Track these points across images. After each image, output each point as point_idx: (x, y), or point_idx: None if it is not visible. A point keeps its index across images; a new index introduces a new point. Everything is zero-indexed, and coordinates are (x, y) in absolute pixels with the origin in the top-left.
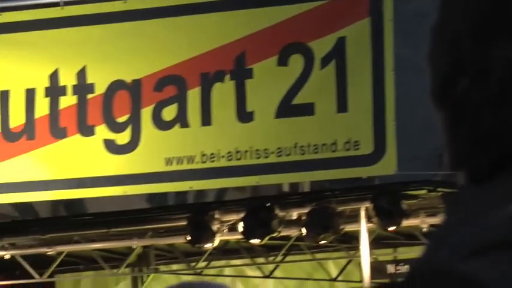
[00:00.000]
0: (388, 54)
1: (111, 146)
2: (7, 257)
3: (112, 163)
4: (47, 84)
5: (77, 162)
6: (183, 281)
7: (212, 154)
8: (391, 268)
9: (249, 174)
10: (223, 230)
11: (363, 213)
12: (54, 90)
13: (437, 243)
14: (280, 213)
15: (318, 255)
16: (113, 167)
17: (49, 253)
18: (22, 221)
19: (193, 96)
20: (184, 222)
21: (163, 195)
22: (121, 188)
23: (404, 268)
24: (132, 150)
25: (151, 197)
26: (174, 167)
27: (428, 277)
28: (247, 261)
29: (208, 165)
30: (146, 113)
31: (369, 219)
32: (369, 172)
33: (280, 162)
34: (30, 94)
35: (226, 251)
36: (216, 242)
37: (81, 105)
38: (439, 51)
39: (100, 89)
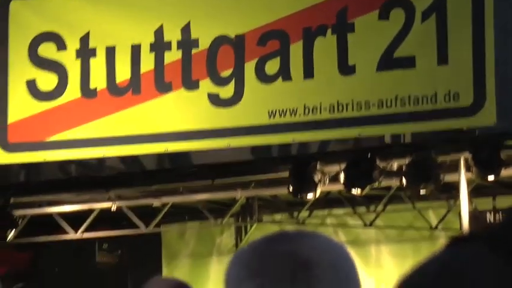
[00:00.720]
0: (488, 6)
1: (215, 100)
2: (114, 208)
3: (216, 116)
4: (152, 40)
5: (182, 116)
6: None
7: (314, 107)
8: (490, 217)
9: (351, 126)
10: (325, 181)
11: (462, 164)
12: (159, 46)
13: None
14: (381, 163)
15: (418, 205)
16: (217, 120)
17: (155, 204)
18: (128, 173)
19: (296, 50)
20: (286, 174)
21: (267, 147)
22: (225, 140)
23: (502, 217)
24: (236, 103)
25: (254, 149)
26: (277, 119)
27: None
28: (348, 210)
29: (311, 118)
30: (249, 67)
31: (468, 169)
32: (469, 123)
33: (381, 115)
34: (135, 50)
35: (327, 201)
36: (318, 193)
37: (186, 60)
38: None
39: (204, 44)
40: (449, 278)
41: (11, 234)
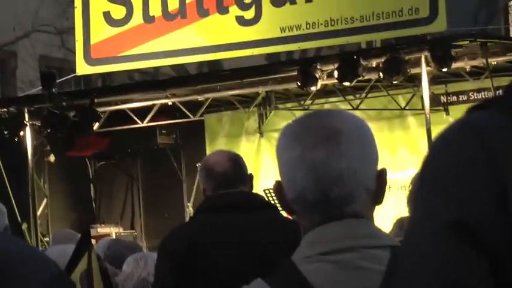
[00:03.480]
0: None
1: (241, 21)
2: (170, 103)
3: (242, 33)
4: None
5: (217, 34)
6: (316, 110)
7: (313, 22)
8: (443, 99)
9: (340, 36)
10: (323, 77)
11: (423, 60)
12: None
13: None
14: (364, 62)
15: (391, 92)
16: (243, 35)
17: (199, 99)
18: (179, 77)
19: None
20: (295, 72)
21: (277, 54)
22: (249, 50)
23: (453, 98)
24: (256, 22)
25: (269, 55)
26: (286, 33)
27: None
28: (340, 98)
29: (311, 31)
30: None
31: (427, 64)
32: (427, 30)
33: (362, 26)
34: None
35: (325, 92)
36: (318, 85)
37: None
38: None
39: None
40: (469, 129)
41: (95, 125)
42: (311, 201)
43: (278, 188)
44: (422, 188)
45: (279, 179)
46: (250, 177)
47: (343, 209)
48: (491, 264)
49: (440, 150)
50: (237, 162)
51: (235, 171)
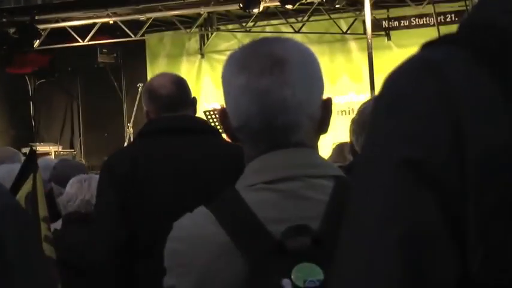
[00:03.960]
0: None
1: None
2: (111, 22)
3: None
4: None
5: None
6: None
7: None
8: (385, 23)
9: None
10: None
11: None
12: None
13: None
14: None
15: (333, 15)
16: None
17: (140, 19)
18: None
19: None
20: None
21: None
22: None
23: (395, 23)
24: None
25: None
26: None
27: None
28: (282, 21)
29: None
30: None
31: None
32: None
33: None
34: None
35: (267, 14)
36: (261, 8)
37: None
38: None
39: None
40: (424, 65)
41: (36, 43)
42: (255, 129)
43: (223, 115)
44: (375, 123)
45: (219, 101)
46: (194, 101)
47: (287, 137)
48: (443, 206)
49: (394, 86)
50: (181, 85)
51: (179, 94)
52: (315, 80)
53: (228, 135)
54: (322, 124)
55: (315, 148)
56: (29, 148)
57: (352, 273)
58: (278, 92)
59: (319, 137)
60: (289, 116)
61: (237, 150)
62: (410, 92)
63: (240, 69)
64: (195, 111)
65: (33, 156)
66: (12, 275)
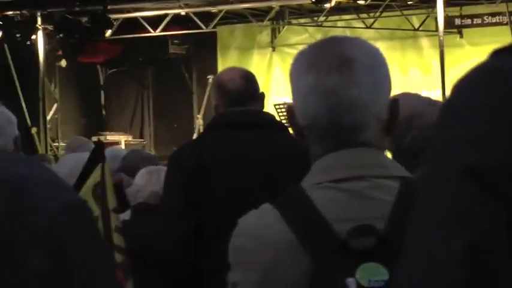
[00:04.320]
0: None
1: None
2: (183, 13)
3: None
4: None
5: None
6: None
7: None
8: (458, 21)
9: None
10: None
11: None
12: None
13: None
14: None
15: (405, 12)
16: None
17: (212, 11)
18: None
19: None
20: None
21: None
22: None
23: (467, 21)
24: None
25: None
26: None
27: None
28: (354, 16)
29: None
30: None
31: None
32: None
33: None
34: None
35: (339, 9)
36: (333, 2)
37: None
38: None
39: None
40: (491, 72)
41: (108, 32)
42: (322, 128)
43: (290, 112)
44: (442, 128)
45: (290, 94)
46: (262, 96)
47: (354, 137)
48: (508, 215)
49: (462, 93)
50: (250, 80)
51: (248, 89)
52: (383, 80)
53: (295, 132)
54: (389, 125)
55: (382, 148)
56: (99, 137)
57: (417, 278)
58: (345, 92)
59: (385, 137)
60: (355, 116)
61: (304, 146)
62: (478, 100)
63: (308, 68)
64: (262, 106)
65: (101, 146)
66: (72, 281)
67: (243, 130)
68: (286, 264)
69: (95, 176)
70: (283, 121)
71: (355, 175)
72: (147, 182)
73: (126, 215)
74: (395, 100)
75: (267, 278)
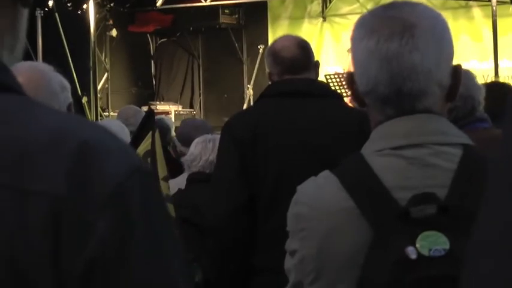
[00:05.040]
0: None
1: None
2: None
3: None
4: None
5: None
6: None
7: None
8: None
9: None
10: None
11: None
12: None
13: None
14: None
15: None
16: None
17: None
18: None
19: None
20: None
21: None
22: None
23: None
24: None
25: None
26: None
27: None
28: None
29: None
30: None
31: None
32: None
33: None
34: None
35: None
36: None
37: None
38: None
39: None
40: None
41: (159, 2)
42: (383, 94)
43: (350, 79)
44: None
45: (340, 64)
46: (317, 64)
47: (415, 103)
48: None
49: None
50: (305, 48)
51: (303, 57)
52: (445, 46)
53: (354, 99)
54: (450, 91)
55: (443, 115)
56: (149, 106)
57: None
58: (407, 58)
59: (447, 104)
60: (417, 82)
61: (359, 114)
62: None
63: (369, 33)
64: (317, 74)
65: (151, 115)
66: (137, 247)
67: (297, 98)
68: (345, 232)
69: (145, 144)
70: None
71: (416, 142)
72: (202, 150)
73: (177, 182)
74: (458, 66)
75: (326, 245)
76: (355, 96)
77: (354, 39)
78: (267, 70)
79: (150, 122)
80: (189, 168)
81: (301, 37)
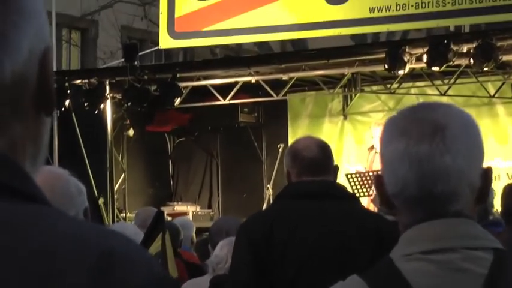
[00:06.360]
0: None
1: None
2: (253, 81)
3: (330, 12)
4: None
5: (304, 12)
6: (422, 101)
7: (404, 4)
8: None
9: (430, 18)
10: (412, 60)
11: None
12: None
13: None
14: (454, 47)
15: (481, 78)
16: (330, 14)
17: (283, 78)
18: (263, 55)
19: None
20: (382, 55)
21: (363, 35)
22: (336, 29)
23: None
24: (345, 1)
25: (353, 36)
26: (376, 14)
27: None
28: (428, 83)
29: (401, 13)
30: None
31: None
32: None
33: (454, 10)
34: None
35: (412, 76)
36: (407, 69)
37: None
38: None
39: None
40: None
41: (177, 101)
42: (413, 197)
43: (379, 181)
44: None
45: (362, 163)
46: (336, 168)
47: (446, 206)
48: None
49: None
50: (325, 150)
51: (323, 159)
52: (476, 147)
53: (382, 201)
54: (481, 194)
55: (474, 218)
56: (167, 207)
57: None
58: (438, 159)
59: (477, 207)
60: (448, 185)
61: (377, 218)
62: None
63: (399, 135)
64: (335, 178)
65: (161, 216)
66: None
67: (315, 200)
68: None
69: (156, 245)
70: (355, 191)
71: (447, 246)
72: (229, 253)
73: (200, 285)
74: (488, 169)
75: None
76: (383, 198)
77: (383, 142)
78: (285, 169)
79: (161, 223)
80: (213, 270)
81: (322, 139)
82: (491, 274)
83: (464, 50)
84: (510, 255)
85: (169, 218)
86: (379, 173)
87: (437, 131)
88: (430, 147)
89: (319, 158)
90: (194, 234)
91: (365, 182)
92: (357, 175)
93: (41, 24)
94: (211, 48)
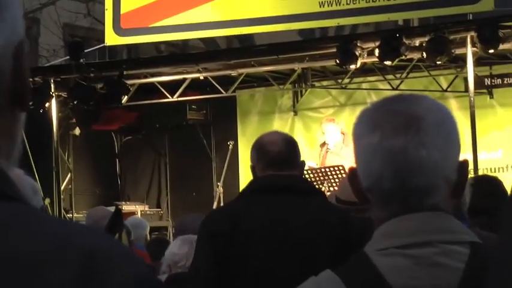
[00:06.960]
0: None
1: None
2: (201, 78)
3: (277, 6)
4: None
5: (250, 7)
6: (396, 94)
7: None
8: (487, 81)
9: (381, 12)
10: (363, 55)
11: (469, 40)
12: None
13: None
14: (406, 41)
15: (433, 72)
16: (278, 9)
17: (232, 74)
18: (211, 51)
19: None
20: (333, 50)
21: (312, 30)
22: (285, 25)
23: (497, 81)
24: None
25: (302, 31)
26: (326, 8)
27: None
28: (380, 77)
29: (351, 7)
30: None
31: (473, 44)
32: (474, 9)
33: (405, 3)
34: None
35: (364, 70)
36: (358, 64)
37: None
38: None
39: None
40: None
41: (124, 99)
42: (388, 190)
43: (353, 174)
44: None
45: (313, 159)
46: (302, 164)
47: (421, 200)
48: None
49: None
50: (292, 145)
51: (289, 153)
52: (452, 140)
53: (357, 195)
54: (457, 187)
55: (449, 212)
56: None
57: None
58: (413, 152)
59: (452, 201)
60: (423, 178)
61: (341, 213)
62: None
63: (372, 127)
64: (302, 173)
65: (119, 216)
66: None
67: (280, 195)
68: None
69: None
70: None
71: (423, 241)
72: (189, 251)
73: None
74: (465, 162)
75: None
76: (357, 192)
77: (356, 135)
78: (251, 163)
79: (118, 223)
80: (169, 267)
81: (289, 134)
82: (469, 268)
83: (417, 44)
84: (485, 250)
85: None
86: (353, 165)
87: (412, 123)
88: (405, 140)
89: (285, 152)
90: (148, 234)
91: (317, 178)
92: (309, 171)
93: (15, 17)
94: (156, 45)
